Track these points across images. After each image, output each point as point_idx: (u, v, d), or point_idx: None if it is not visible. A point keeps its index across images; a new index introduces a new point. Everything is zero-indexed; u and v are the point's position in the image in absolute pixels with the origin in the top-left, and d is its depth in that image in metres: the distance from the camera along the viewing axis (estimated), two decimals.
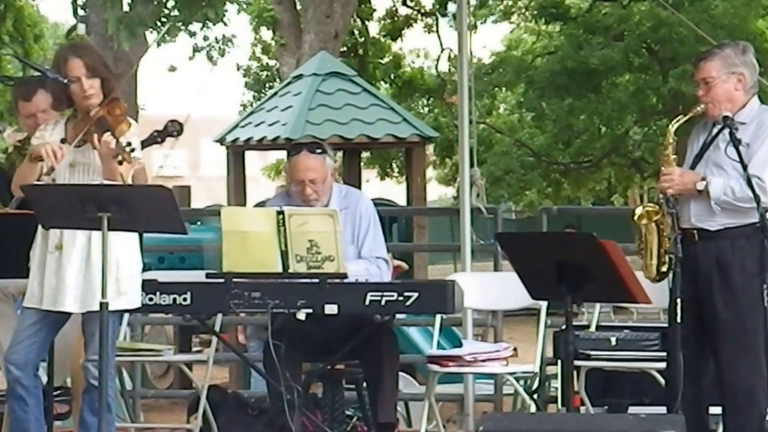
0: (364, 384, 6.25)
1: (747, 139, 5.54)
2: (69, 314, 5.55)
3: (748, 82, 5.63)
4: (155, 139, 5.74)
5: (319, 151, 6.28)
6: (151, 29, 13.40)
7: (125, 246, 5.52)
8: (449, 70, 21.81)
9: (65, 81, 5.54)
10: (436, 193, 26.83)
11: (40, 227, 5.50)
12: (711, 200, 5.50)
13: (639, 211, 5.64)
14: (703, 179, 5.52)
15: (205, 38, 17.97)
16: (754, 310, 5.43)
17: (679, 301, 5.40)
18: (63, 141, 5.53)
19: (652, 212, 5.60)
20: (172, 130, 5.72)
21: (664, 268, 5.57)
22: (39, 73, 5.73)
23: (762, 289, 5.40)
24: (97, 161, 5.51)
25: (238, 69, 23.40)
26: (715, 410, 5.94)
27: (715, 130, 5.64)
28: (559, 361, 6.37)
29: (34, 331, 5.53)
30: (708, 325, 5.58)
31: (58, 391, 6.14)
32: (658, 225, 5.57)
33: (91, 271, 5.45)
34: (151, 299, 5.86)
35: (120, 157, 5.35)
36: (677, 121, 5.69)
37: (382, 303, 5.76)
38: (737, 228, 5.52)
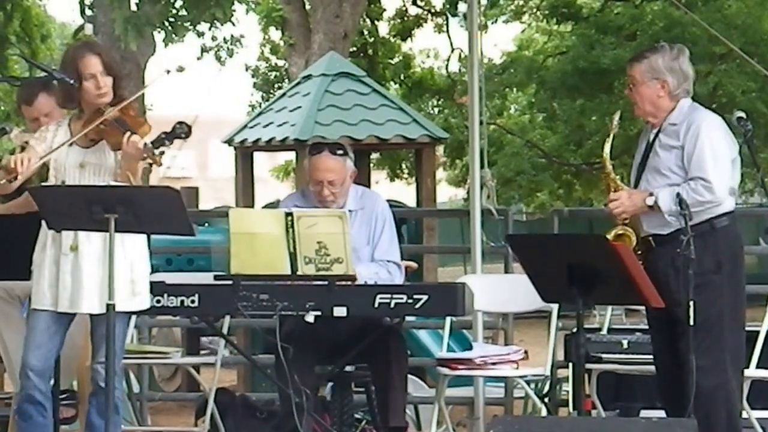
0: (373, 387, 6.22)
1: (680, 142, 5.61)
2: (74, 316, 5.51)
3: (673, 88, 5.69)
4: (163, 141, 5.70)
5: (340, 152, 6.27)
6: (158, 29, 13.38)
7: (139, 246, 5.53)
8: (459, 70, 21.77)
9: (72, 82, 5.53)
10: (447, 194, 26.77)
11: (43, 230, 5.47)
12: (663, 213, 5.54)
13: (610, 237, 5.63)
14: (652, 194, 5.59)
15: (214, 38, 17.96)
16: (713, 308, 5.44)
17: (692, 303, 5.35)
18: (71, 144, 5.51)
19: (624, 236, 5.64)
20: (180, 131, 5.68)
21: None
22: (46, 74, 5.69)
23: (720, 286, 5.43)
24: (108, 161, 5.50)
25: (247, 69, 23.39)
26: None
27: (652, 136, 5.73)
28: (571, 364, 6.32)
29: (50, 336, 5.51)
30: (673, 328, 5.59)
31: (65, 395, 6.10)
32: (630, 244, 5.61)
33: (114, 271, 5.40)
34: (158, 301, 5.84)
35: (149, 159, 5.38)
36: (607, 142, 5.81)
37: (392, 305, 5.73)
38: (691, 228, 5.50)
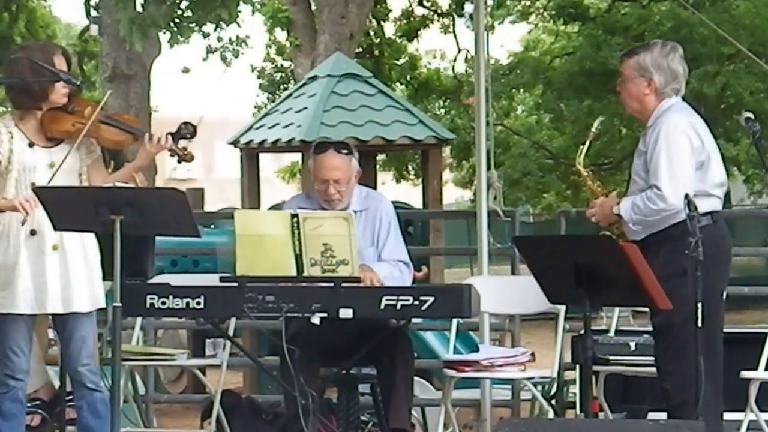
0: (380, 389, 6.20)
1: (645, 147, 5.61)
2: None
3: (659, 86, 5.65)
4: None
5: (345, 151, 6.27)
6: (163, 30, 13.38)
7: (95, 244, 5.62)
8: (466, 71, 21.75)
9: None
10: (453, 195, 26.74)
11: (15, 231, 5.46)
12: (626, 222, 5.58)
13: None
14: (619, 203, 5.61)
15: (219, 39, 17.98)
16: (680, 314, 5.36)
17: (699, 305, 5.31)
18: (31, 145, 5.53)
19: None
20: (186, 132, 5.70)
21: None
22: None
23: (686, 290, 5.30)
24: (75, 160, 5.53)
25: (252, 70, 23.38)
26: (732, 416, 5.90)
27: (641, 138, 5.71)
28: (578, 366, 6.32)
29: (30, 337, 5.62)
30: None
31: (70, 397, 6.10)
32: None
33: (90, 270, 5.54)
34: (164, 303, 5.83)
35: (179, 154, 5.57)
36: (580, 153, 5.87)
37: (398, 307, 5.70)
38: (662, 232, 5.54)
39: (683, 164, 5.52)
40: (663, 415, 6.07)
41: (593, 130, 5.96)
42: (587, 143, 5.88)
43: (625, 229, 5.67)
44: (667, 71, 5.66)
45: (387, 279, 6.09)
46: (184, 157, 5.65)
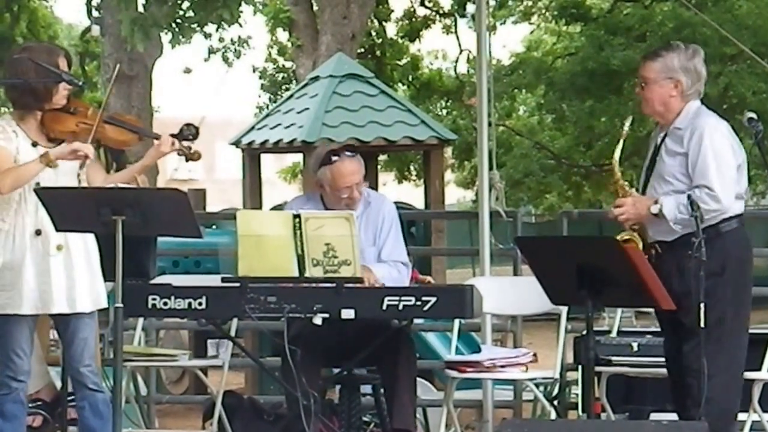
0: (382, 390, 6.19)
1: (684, 148, 5.56)
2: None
3: (686, 88, 5.62)
4: None
5: (352, 153, 6.30)
6: (165, 31, 13.38)
7: (95, 244, 5.61)
8: (468, 71, 21.74)
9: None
10: (455, 196, 26.75)
11: (20, 230, 5.46)
12: (669, 222, 5.49)
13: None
14: (656, 202, 5.53)
15: (221, 40, 17.97)
16: (718, 314, 5.39)
17: (702, 305, 5.31)
18: (34, 144, 5.54)
19: (630, 240, 5.59)
20: (188, 134, 5.70)
21: None
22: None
23: (723, 289, 5.39)
24: (73, 163, 5.54)
25: (254, 71, 23.38)
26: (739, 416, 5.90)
27: (659, 139, 5.68)
28: (580, 367, 6.30)
29: (31, 339, 5.60)
30: (678, 331, 5.56)
31: (72, 397, 6.10)
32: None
33: (93, 270, 5.55)
34: (165, 303, 5.81)
35: (186, 153, 5.60)
36: (617, 148, 5.79)
37: (400, 308, 5.69)
38: (695, 232, 5.46)
39: (730, 166, 5.53)
40: (665, 416, 6.07)
41: (625, 128, 5.89)
42: (621, 141, 5.82)
43: (650, 230, 5.60)
44: (693, 73, 5.64)
45: (384, 279, 6.09)
46: (192, 157, 5.66)
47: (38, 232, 5.46)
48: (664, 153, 5.63)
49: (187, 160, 5.68)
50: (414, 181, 23.54)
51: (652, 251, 5.58)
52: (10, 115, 5.68)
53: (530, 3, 22.34)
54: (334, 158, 6.24)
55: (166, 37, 13.95)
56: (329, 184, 6.24)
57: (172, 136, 5.69)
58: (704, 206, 5.43)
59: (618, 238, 5.60)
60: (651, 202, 5.56)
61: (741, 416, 6.11)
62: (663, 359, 6.13)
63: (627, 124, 5.92)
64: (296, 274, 5.75)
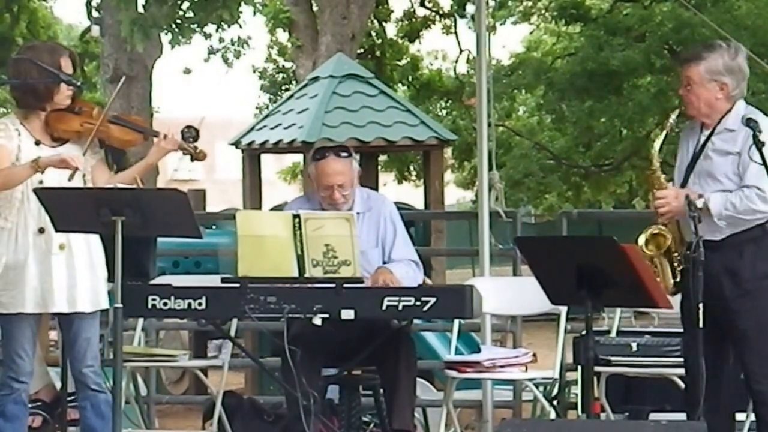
0: (382, 390, 6.19)
1: (737, 148, 5.49)
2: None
3: (731, 89, 5.56)
4: None
5: (345, 154, 6.25)
6: (165, 31, 13.38)
7: (99, 244, 5.62)
8: (468, 72, 21.74)
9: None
10: (455, 196, 26.76)
11: (23, 229, 5.47)
12: (713, 217, 5.42)
13: (642, 240, 5.52)
14: (701, 196, 5.44)
15: (221, 40, 17.98)
16: (765, 314, 5.38)
17: (701, 306, 5.30)
18: (37, 143, 5.55)
19: (659, 235, 5.53)
20: (189, 136, 5.71)
21: (677, 278, 5.52)
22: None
23: None
24: (80, 159, 5.52)
25: (254, 71, 23.40)
26: (738, 417, 5.89)
27: (703, 138, 5.59)
28: (579, 367, 6.29)
29: (35, 339, 5.62)
30: (726, 333, 5.50)
31: (71, 397, 6.11)
32: (665, 245, 5.51)
33: (94, 269, 5.55)
34: (165, 304, 5.82)
35: (192, 153, 5.63)
36: (657, 138, 5.66)
37: (400, 308, 5.70)
38: (744, 233, 5.45)
39: None
40: (665, 416, 6.07)
41: (670, 121, 5.69)
42: (664, 133, 5.70)
43: (683, 228, 5.50)
44: (738, 74, 5.59)
45: (404, 279, 6.10)
46: (197, 156, 5.67)
47: (41, 231, 5.47)
48: (711, 152, 5.53)
49: (192, 160, 5.69)
50: (414, 181, 23.55)
51: (684, 248, 5.47)
52: (15, 113, 5.69)
53: (530, 3, 22.33)
54: (320, 156, 6.24)
55: (165, 38, 13.96)
56: (315, 181, 6.26)
57: None
58: (753, 206, 5.39)
59: (648, 232, 5.53)
60: (695, 196, 5.43)
61: (740, 416, 6.11)
62: (662, 359, 6.14)
63: (673, 117, 5.69)
64: (296, 274, 5.75)
